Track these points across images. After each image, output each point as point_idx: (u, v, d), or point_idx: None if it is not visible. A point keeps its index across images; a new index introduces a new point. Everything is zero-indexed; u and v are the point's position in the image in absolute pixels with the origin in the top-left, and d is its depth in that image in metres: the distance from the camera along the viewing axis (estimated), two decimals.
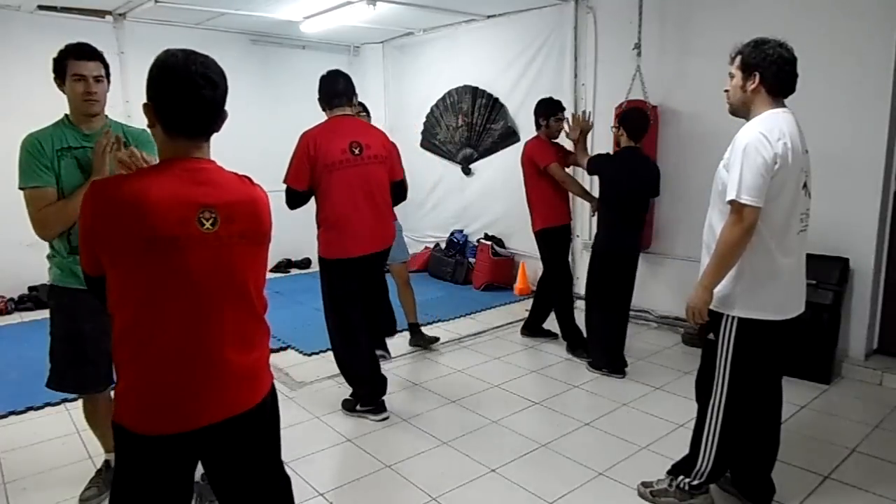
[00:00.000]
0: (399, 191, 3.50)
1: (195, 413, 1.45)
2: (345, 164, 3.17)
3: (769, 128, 2.16)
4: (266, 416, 1.59)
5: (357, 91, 3.40)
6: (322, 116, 3.36)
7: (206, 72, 1.43)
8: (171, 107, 1.43)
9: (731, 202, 2.16)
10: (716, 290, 2.28)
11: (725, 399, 2.35)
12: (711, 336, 2.39)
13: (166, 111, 1.43)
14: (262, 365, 1.59)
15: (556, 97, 4.39)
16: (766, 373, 2.43)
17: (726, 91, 2.36)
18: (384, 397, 3.46)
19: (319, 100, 3.32)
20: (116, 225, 1.36)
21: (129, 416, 1.45)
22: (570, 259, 4.65)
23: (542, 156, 4.23)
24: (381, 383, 3.46)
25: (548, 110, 4.29)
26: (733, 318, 2.30)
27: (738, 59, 2.28)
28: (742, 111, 2.31)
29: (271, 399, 1.62)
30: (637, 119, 3.82)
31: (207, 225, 1.41)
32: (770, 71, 2.20)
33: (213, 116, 1.47)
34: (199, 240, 1.40)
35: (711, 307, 2.31)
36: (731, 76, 2.31)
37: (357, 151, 3.20)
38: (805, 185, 2.29)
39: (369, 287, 3.55)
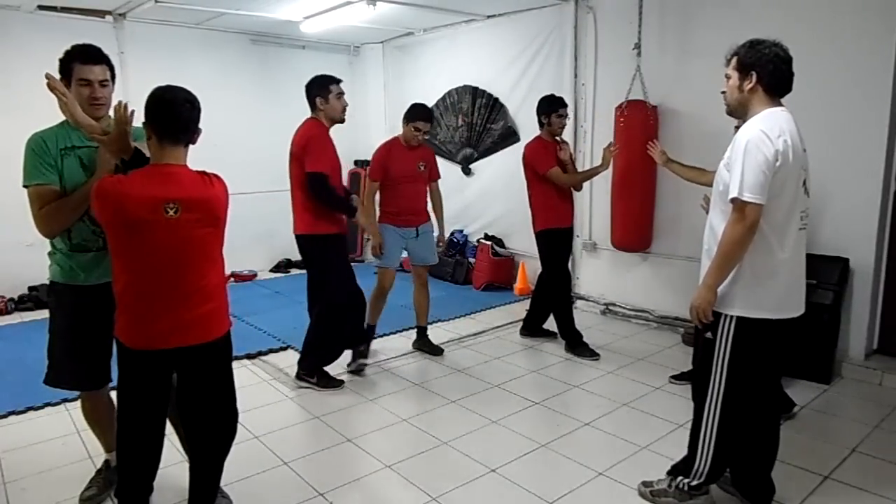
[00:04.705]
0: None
1: (162, 337, 2.11)
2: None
3: (769, 125, 2.17)
4: (220, 350, 2.26)
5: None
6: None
7: (186, 96, 2.11)
8: (163, 122, 2.07)
9: (734, 200, 2.16)
10: None
11: (722, 399, 2.34)
12: (709, 335, 2.39)
13: (159, 126, 2.08)
14: (220, 313, 2.24)
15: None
16: (764, 372, 2.42)
17: (723, 93, 2.37)
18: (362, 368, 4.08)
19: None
20: (110, 212, 2.03)
21: (121, 333, 2.14)
22: (571, 259, 4.64)
23: (541, 162, 4.23)
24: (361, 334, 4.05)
25: (549, 107, 4.28)
26: (732, 317, 2.29)
27: (735, 59, 2.29)
28: (740, 111, 2.33)
29: (225, 340, 2.26)
30: None
31: (171, 213, 2.04)
32: (767, 70, 2.21)
33: (192, 128, 2.14)
34: (164, 223, 2.04)
35: None
36: (728, 77, 2.33)
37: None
38: (804, 184, 2.30)
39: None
